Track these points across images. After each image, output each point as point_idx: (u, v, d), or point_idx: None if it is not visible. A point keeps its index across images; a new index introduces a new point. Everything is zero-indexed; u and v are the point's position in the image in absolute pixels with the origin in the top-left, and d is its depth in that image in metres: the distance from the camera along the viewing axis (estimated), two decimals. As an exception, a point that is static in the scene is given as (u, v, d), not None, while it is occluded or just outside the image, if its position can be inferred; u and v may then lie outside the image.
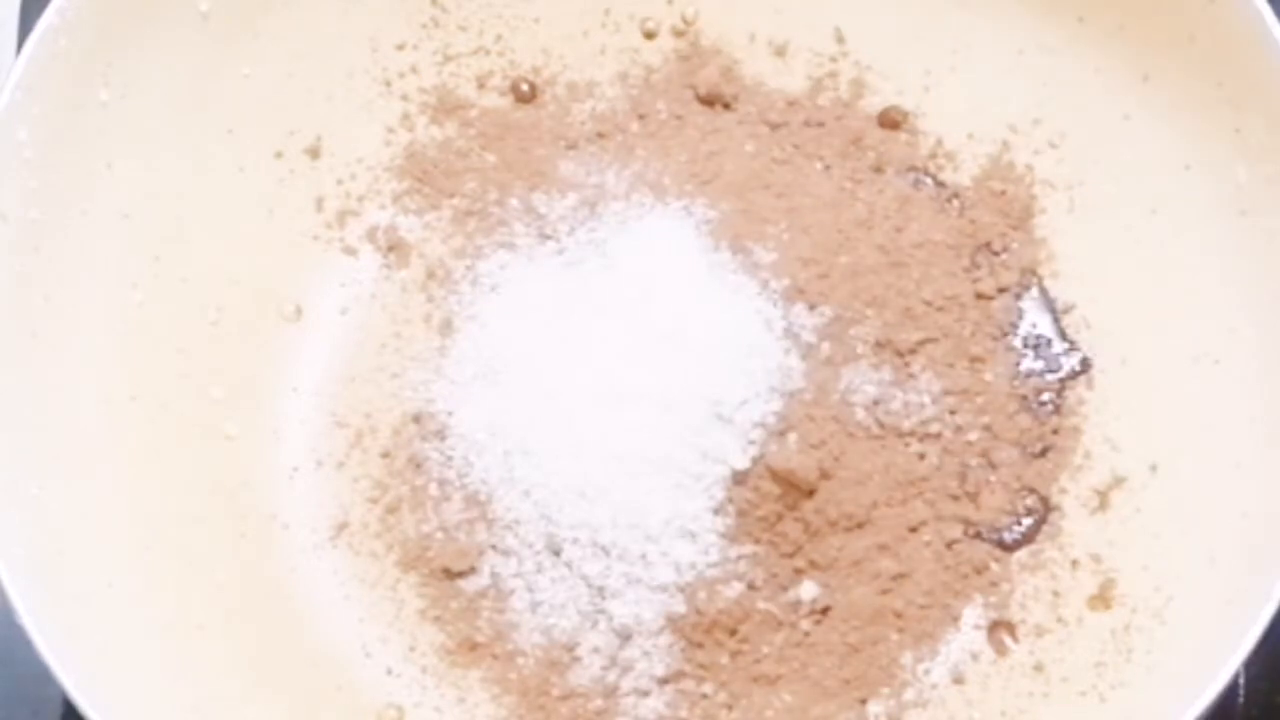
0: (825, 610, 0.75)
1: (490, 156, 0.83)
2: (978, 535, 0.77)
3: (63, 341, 0.74)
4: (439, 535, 0.77)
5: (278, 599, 0.77)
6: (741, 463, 0.74)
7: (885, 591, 0.75)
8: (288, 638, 0.76)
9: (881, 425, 0.76)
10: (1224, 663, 0.66)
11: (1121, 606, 0.75)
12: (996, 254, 0.80)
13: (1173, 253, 0.78)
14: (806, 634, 0.75)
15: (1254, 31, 0.73)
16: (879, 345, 0.77)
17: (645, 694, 0.75)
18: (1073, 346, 0.79)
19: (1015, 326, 0.80)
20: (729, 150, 0.81)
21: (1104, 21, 0.79)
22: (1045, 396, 0.79)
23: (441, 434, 0.78)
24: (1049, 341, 0.79)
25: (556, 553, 0.76)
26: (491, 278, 0.81)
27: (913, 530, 0.76)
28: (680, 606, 0.75)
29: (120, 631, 0.71)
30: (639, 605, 0.75)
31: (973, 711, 0.75)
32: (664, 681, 0.75)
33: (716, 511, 0.75)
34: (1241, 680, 0.78)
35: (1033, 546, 0.77)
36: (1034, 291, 0.80)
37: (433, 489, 0.78)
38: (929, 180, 0.82)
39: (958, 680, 0.75)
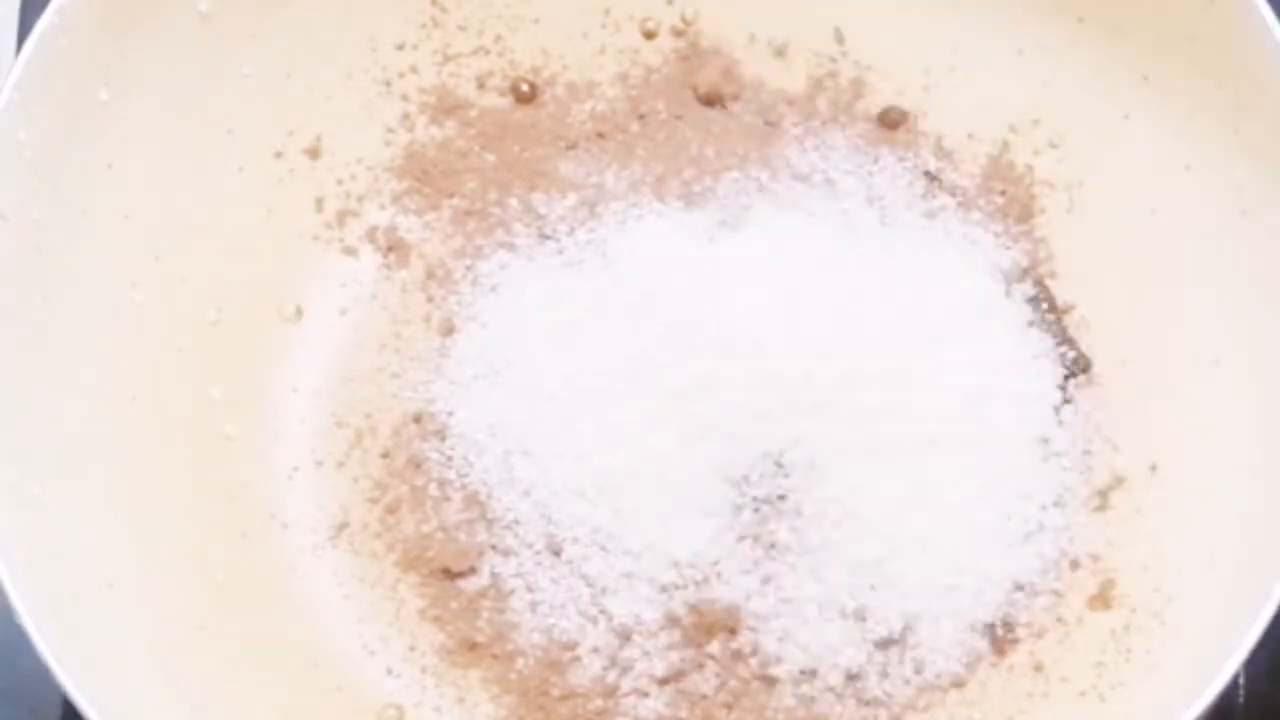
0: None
1: (490, 156, 0.83)
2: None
3: (63, 342, 0.74)
4: (439, 535, 0.77)
5: (278, 599, 0.77)
6: (741, 462, 0.74)
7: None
8: (288, 638, 0.76)
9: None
10: (1224, 663, 0.66)
11: (1121, 606, 0.75)
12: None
13: (1173, 253, 0.78)
14: (806, 634, 0.75)
15: (1254, 31, 0.73)
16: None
17: (645, 694, 0.75)
18: (1073, 346, 0.79)
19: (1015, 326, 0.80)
20: (729, 150, 0.81)
21: (1104, 21, 0.79)
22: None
23: (441, 434, 0.78)
24: (1049, 342, 0.79)
25: (556, 553, 0.76)
26: (491, 278, 0.81)
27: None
28: (680, 606, 0.75)
29: (120, 631, 0.71)
30: (639, 605, 0.75)
31: (973, 711, 0.75)
32: (664, 681, 0.75)
33: (716, 511, 0.75)
34: (1241, 680, 0.77)
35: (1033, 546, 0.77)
36: (1034, 291, 0.80)
37: (433, 489, 0.78)
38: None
39: (957, 681, 0.75)
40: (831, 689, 0.75)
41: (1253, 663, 0.68)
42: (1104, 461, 0.78)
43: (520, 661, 0.76)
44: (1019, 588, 0.76)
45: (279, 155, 0.81)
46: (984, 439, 0.76)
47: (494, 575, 0.77)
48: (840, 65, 0.83)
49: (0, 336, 0.72)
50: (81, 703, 0.67)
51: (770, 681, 0.75)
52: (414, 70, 0.83)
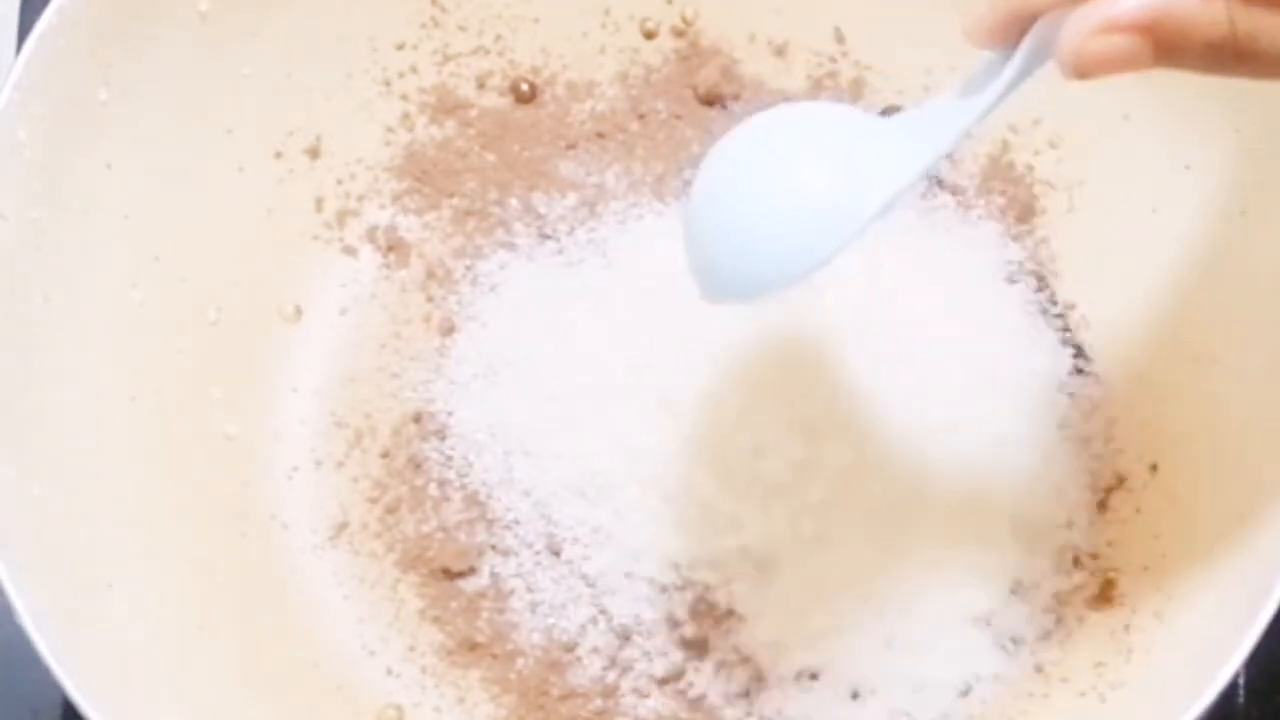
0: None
1: (490, 156, 0.83)
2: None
3: (63, 341, 0.74)
4: (439, 535, 0.77)
5: (278, 599, 0.77)
6: (742, 460, 0.75)
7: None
8: (288, 638, 0.76)
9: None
10: (1224, 663, 0.66)
11: (1121, 606, 0.75)
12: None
13: (1173, 253, 0.77)
14: (806, 634, 0.75)
15: (1254, 31, 0.73)
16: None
17: (645, 694, 0.75)
18: (1073, 346, 0.79)
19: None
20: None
21: (1104, 21, 0.79)
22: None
23: (441, 434, 0.79)
24: (1049, 340, 0.79)
25: (556, 553, 0.76)
26: (491, 278, 0.81)
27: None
28: (680, 606, 0.75)
29: (120, 631, 0.71)
30: (638, 605, 0.75)
31: (973, 711, 0.75)
32: (664, 681, 0.75)
33: (715, 510, 0.75)
34: (1241, 680, 0.78)
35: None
36: (1034, 291, 0.80)
37: (433, 489, 0.78)
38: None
39: (957, 681, 0.75)
40: (831, 689, 0.75)
41: (1253, 663, 0.68)
42: (1104, 462, 0.78)
43: (520, 661, 0.76)
44: (1019, 588, 0.76)
45: (279, 155, 0.81)
46: (984, 437, 0.76)
47: (494, 575, 0.77)
48: (840, 65, 0.83)
49: (0, 337, 0.72)
50: (81, 703, 0.67)
51: (770, 681, 0.75)
52: (414, 70, 0.83)
